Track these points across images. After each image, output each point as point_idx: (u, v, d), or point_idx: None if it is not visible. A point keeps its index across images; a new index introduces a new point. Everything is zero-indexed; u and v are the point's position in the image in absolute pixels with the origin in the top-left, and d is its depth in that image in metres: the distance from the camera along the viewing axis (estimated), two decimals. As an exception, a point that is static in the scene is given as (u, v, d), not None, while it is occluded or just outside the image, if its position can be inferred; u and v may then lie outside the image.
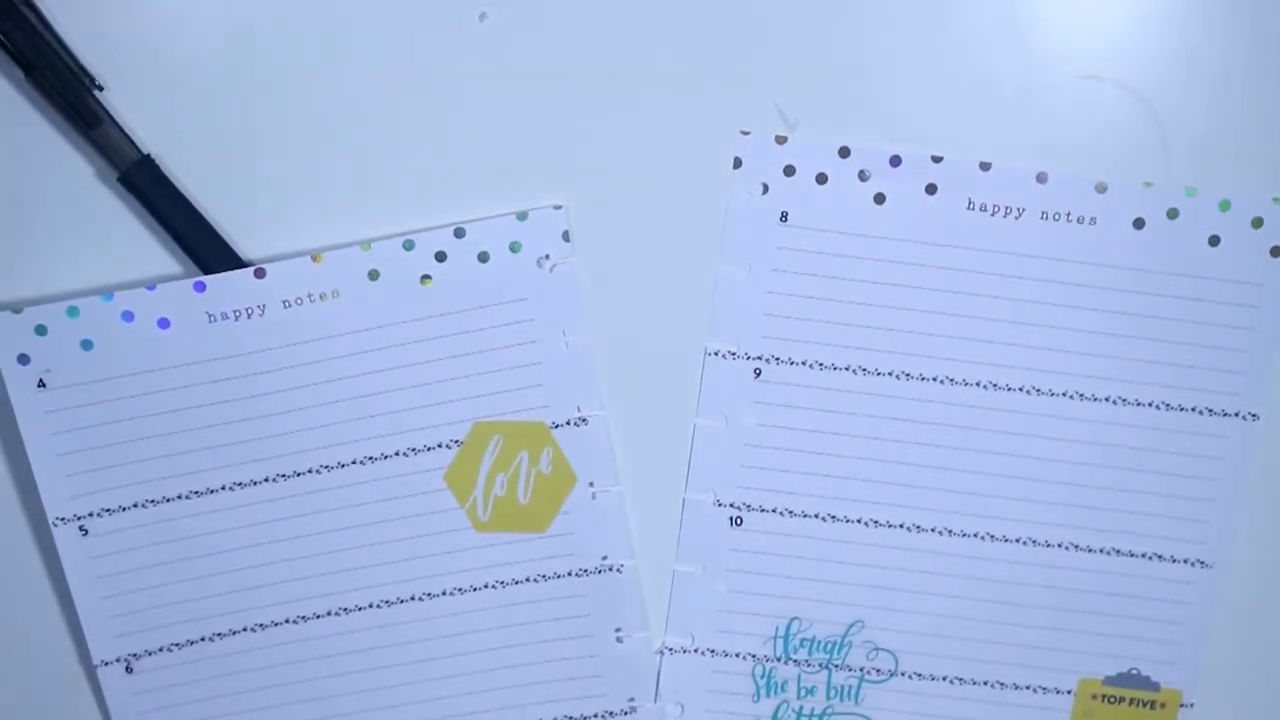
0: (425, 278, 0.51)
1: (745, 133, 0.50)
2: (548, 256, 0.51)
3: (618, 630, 0.55)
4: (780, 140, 0.50)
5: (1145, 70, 0.50)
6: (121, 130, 0.49)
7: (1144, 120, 0.50)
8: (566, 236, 0.51)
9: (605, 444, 0.53)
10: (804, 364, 0.52)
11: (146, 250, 0.51)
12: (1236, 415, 0.52)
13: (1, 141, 0.50)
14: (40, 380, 0.51)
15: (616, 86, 0.50)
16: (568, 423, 0.53)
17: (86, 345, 0.51)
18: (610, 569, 0.54)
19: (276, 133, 0.50)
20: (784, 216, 0.51)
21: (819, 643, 0.55)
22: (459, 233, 0.50)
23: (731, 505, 0.54)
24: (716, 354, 0.52)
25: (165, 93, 0.50)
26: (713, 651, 0.55)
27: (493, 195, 0.51)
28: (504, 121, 0.50)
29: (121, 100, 0.50)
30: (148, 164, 0.49)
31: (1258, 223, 0.51)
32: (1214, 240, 0.51)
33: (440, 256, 0.51)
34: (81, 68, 0.49)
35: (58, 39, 0.48)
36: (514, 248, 0.51)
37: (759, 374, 0.52)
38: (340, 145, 0.50)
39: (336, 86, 0.50)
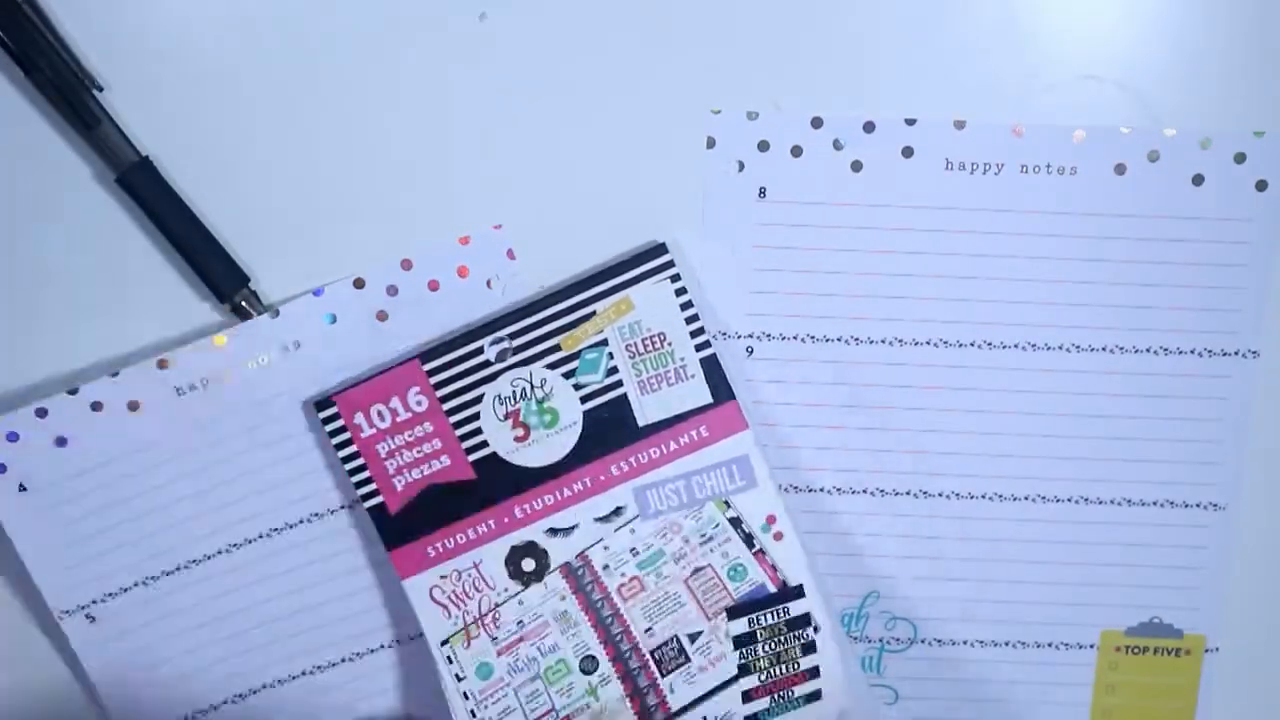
0: (381, 314, 0.51)
1: (716, 112, 0.50)
2: (497, 277, 0.51)
3: None
4: (752, 116, 0.50)
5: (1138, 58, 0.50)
6: (120, 132, 0.49)
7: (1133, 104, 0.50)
8: (511, 254, 0.51)
9: None
10: (795, 339, 0.52)
11: (143, 252, 0.51)
12: (1236, 354, 0.52)
13: (0, 141, 0.50)
14: (20, 485, 0.51)
15: (594, 88, 0.50)
16: None
17: (60, 442, 0.51)
18: None
19: (275, 136, 0.50)
20: (762, 192, 0.51)
21: (836, 617, 0.55)
22: (406, 265, 0.51)
23: (736, 486, 0.54)
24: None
25: (165, 95, 0.50)
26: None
27: (489, 197, 0.51)
28: (498, 122, 0.50)
29: (121, 102, 0.50)
30: (146, 166, 0.49)
31: (1240, 158, 0.50)
32: (1198, 179, 0.50)
33: (391, 291, 0.51)
34: (82, 68, 0.49)
35: (59, 39, 0.48)
36: (461, 273, 0.51)
37: (751, 352, 0.52)
38: (339, 148, 0.50)
39: (336, 90, 0.50)
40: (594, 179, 0.51)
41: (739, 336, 0.52)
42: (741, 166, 0.51)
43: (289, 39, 0.50)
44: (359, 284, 0.51)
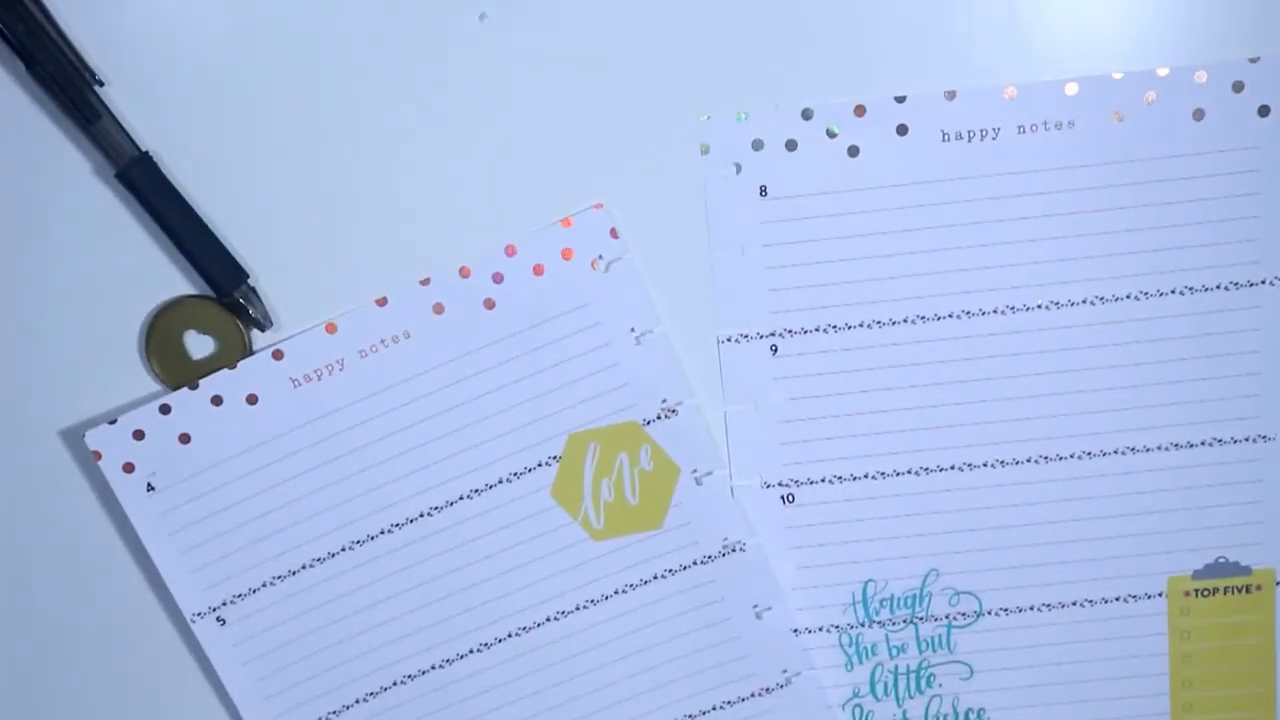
0: (489, 301, 0.51)
1: (705, 117, 0.50)
2: (601, 257, 0.51)
3: (754, 607, 0.55)
4: (741, 117, 0.50)
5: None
6: (120, 126, 0.49)
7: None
8: (615, 233, 0.51)
9: (699, 430, 0.53)
10: (817, 330, 0.52)
11: (142, 247, 0.51)
12: (1262, 283, 0.51)
13: (0, 135, 0.50)
14: (148, 484, 0.52)
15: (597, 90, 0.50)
16: (658, 417, 0.53)
17: (184, 439, 0.51)
18: (733, 549, 0.54)
19: (274, 132, 0.50)
20: (763, 191, 0.51)
21: (899, 599, 0.55)
22: (510, 251, 0.51)
23: (780, 484, 0.54)
24: (729, 340, 0.52)
25: (165, 90, 0.50)
26: (795, 630, 0.55)
27: (488, 195, 0.51)
28: (493, 125, 0.51)
29: (121, 96, 0.50)
30: (145, 161, 0.50)
31: (1238, 87, 0.49)
32: (1198, 114, 0.50)
33: (497, 278, 0.51)
34: (83, 62, 0.49)
35: (60, 33, 0.48)
36: (565, 255, 0.51)
37: (775, 350, 0.52)
38: (338, 144, 0.51)
39: (336, 87, 0.50)
40: (594, 182, 0.51)
41: (761, 336, 0.52)
42: (739, 168, 0.51)
43: (289, 36, 0.50)
44: (464, 273, 0.51)
